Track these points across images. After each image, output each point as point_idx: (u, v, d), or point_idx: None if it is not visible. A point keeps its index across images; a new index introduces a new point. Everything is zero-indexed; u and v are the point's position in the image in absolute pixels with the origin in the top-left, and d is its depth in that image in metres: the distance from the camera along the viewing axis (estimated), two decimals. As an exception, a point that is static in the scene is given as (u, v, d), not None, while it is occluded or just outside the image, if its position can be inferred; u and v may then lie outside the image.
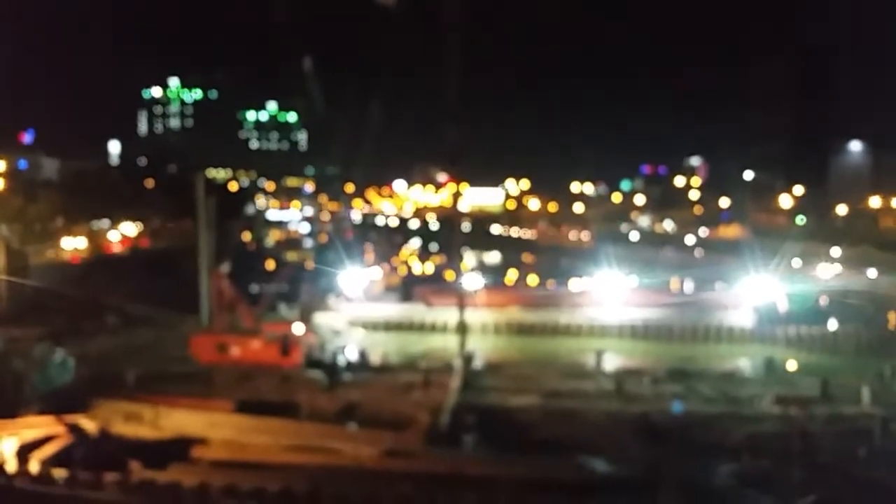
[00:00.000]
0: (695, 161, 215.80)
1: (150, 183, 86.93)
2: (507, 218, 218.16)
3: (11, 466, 21.64)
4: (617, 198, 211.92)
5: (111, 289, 55.05)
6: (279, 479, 21.12)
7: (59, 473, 20.62)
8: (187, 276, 41.34)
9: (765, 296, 54.03)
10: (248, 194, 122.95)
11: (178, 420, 25.97)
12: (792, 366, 45.25)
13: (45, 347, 28.96)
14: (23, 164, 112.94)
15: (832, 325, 51.31)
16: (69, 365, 29.80)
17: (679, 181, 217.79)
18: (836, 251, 77.90)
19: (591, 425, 28.54)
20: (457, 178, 40.59)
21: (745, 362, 45.74)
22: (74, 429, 25.50)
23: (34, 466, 21.72)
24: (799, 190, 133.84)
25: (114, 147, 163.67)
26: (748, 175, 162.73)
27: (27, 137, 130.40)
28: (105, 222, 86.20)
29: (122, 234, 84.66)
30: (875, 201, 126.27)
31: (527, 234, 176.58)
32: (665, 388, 33.77)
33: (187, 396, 29.14)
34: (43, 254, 69.17)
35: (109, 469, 21.28)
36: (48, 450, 23.95)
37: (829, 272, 73.74)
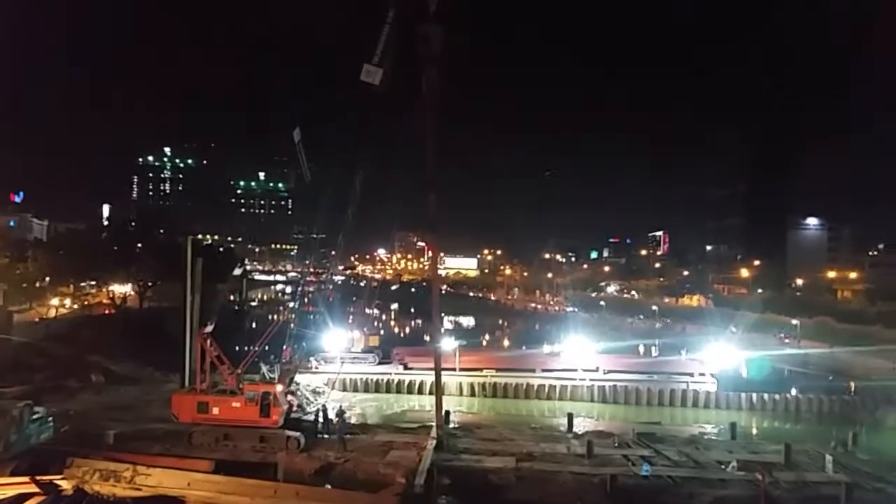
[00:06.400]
0: (658, 233, 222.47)
1: (139, 245, 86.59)
2: (483, 283, 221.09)
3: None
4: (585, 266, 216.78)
5: (96, 347, 54.92)
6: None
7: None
8: (172, 336, 41.52)
9: (726, 363, 55.61)
10: (235, 256, 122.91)
11: (155, 479, 25.84)
12: (755, 431, 46.59)
13: (23, 405, 28.65)
14: (12, 224, 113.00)
15: (793, 392, 52.67)
16: (47, 422, 29.56)
17: (643, 251, 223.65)
18: (794, 321, 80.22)
19: (563, 488, 28.85)
20: (435, 245, 41.67)
21: (709, 427, 46.95)
22: (49, 488, 25.21)
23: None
24: (757, 262, 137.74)
25: (106, 210, 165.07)
26: (708, 247, 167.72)
27: (17, 198, 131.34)
28: (93, 282, 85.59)
29: (109, 294, 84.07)
30: (830, 274, 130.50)
31: (501, 298, 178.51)
32: (633, 452, 34.34)
33: (166, 455, 29.17)
34: (28, 312, 68.47)
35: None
36: (20, 510, 23.66)
37: (788, 341, 75.83)
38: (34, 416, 28.79)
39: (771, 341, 75.71)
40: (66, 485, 25.58)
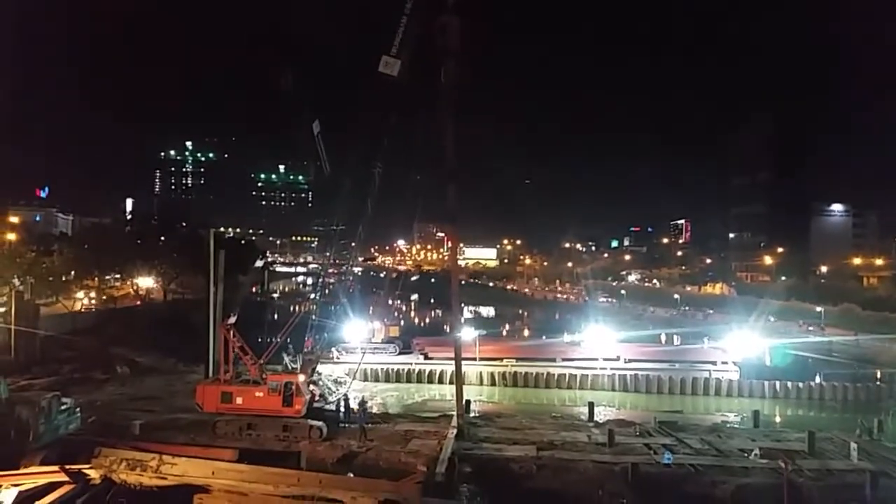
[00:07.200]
0: (680, 221, 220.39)
1: (162, 238, 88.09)
2: (502, 273, 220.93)
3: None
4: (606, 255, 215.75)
5: (122, 340, 55.90)
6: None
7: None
8: (196, 328, 42.13)
9: (749, 350, 55.09)
10: (257, 248, 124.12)
11: (181, 468, 26.26)
12: (778, 419, 46.19)
13: (51, 396, 29.22)
14: (37, 218, 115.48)
15: (817, 380, 52.04)
16: (75, 413, 30.12)
17: (665, 240, 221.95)
18: (818, 309, 79.23)
19: (584, 476, 28.83)
20: (455, 236, 41.71)
21: (731, 415, 46.63)
22: (78, 477, 25.70)
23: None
24: (781, 249, 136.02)
25: (129, 204, 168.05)
26: (731, 235, 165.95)
27: (43, 193, 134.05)
28: (117, 276, 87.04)
29: (134, 287, 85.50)
30: (856, 261, 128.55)
31: (521, 288, 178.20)
32: (655, 440, 34.23)
33: (190, 445, 29.64)
34: (55, 305, 69.61)
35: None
36: (50, 499, 24.14)
37: (812, 329, 74.96)
38: (62, 407, 29.25)
39: (795, 329, 74.90)
40: (94, 474, 26.01)
